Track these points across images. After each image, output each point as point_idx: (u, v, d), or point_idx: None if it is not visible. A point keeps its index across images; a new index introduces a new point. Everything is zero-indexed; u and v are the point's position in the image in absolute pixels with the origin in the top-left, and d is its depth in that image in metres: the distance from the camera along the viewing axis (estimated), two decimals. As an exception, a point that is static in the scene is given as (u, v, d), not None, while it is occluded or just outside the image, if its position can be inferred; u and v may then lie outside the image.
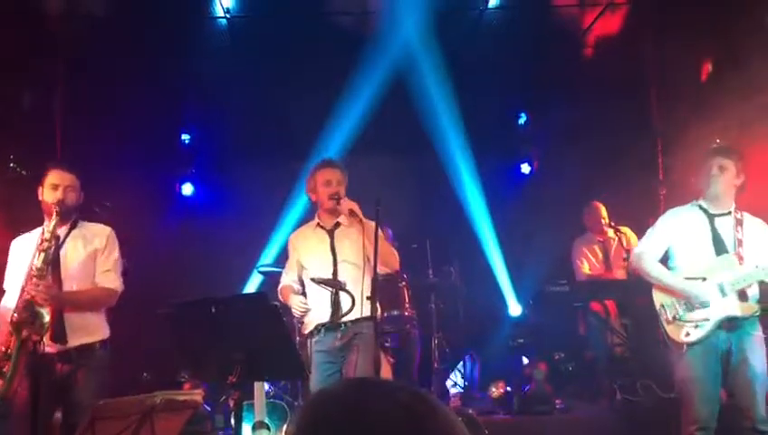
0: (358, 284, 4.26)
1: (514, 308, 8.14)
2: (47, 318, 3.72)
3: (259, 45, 7.26)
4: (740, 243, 4.09)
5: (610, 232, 6.73)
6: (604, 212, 6.80)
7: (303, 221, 7.88)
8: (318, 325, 4.39)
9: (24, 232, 4.24)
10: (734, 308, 4.02)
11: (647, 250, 4.30)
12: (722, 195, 4.16)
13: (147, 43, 6.93)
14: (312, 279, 4.44)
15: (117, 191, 6.40)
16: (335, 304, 4.29)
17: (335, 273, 4.32)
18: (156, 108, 7.70)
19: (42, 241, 3.87)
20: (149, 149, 7.84)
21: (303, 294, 4.51)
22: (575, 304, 6.88)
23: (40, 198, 4.08)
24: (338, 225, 4.51)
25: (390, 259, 4.44)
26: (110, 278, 4.16)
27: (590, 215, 6.88)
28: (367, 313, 4.19)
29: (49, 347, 3.81)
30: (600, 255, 6.92)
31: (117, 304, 4.33)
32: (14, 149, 6.22)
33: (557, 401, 6.23)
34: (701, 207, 4.23)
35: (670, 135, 7.59)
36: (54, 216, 3.90)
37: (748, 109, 5.83)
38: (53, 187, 4.01)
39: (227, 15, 6.79)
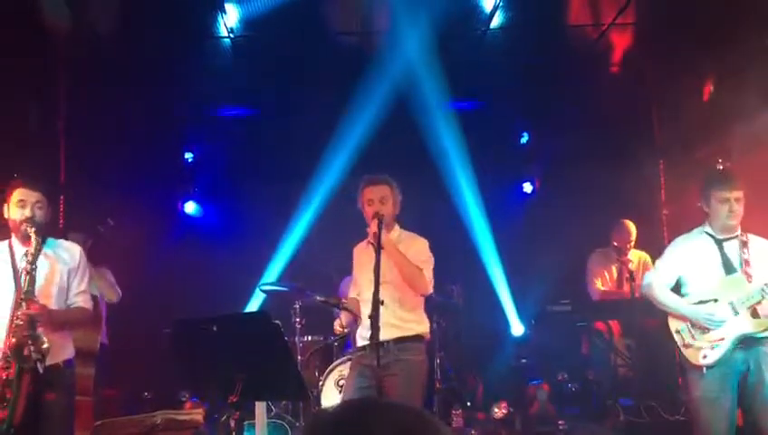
0: (397, 303, 4.29)
1: (517, 328, 8.10)
2: (44, 338, 3.63)
3: (262, 65, 7.30)
4: (747, 263, 4.14)
5: (632, 255, 6.70)
6: (634, 233, 6.75)
7: (306, 239, 7.98)
8: (361, 341, 4.41)
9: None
10: (747, 325, 4.04)
11: (657, 279, 4.34)
12: (737, 223, 4.21)
13: (150, 62, 6.97)
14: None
15: (120, 209, 6.43)
16: (374, 322, 4.11)
17: (377, 291, 4.14)
18: (159, 126, 7.74)
19: (26, 263, 3.77)
20: (152, 167, 7.87)
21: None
22: (578, 324, 6.86)
23: (5, 215, 3.97)
24: None
25: (415, 280, 4.40)
26: (86, 299, 4.11)
27: (619, 233, 6.82)
28: (408, 332, 4.26)
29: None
30: (615, 274, 6.91)
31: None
32: (18, 168, 6.24)
33: (560, 422, 6.19)
34: (708, 234, 4.27)
35: (673, 155, 7.60)
36: (33, 235, 3.79)
37: (750, 129, 5.84)
38: (21, 204, 3.89)
39: (231, 35, 6.83)
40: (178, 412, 4.63)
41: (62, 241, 4.17)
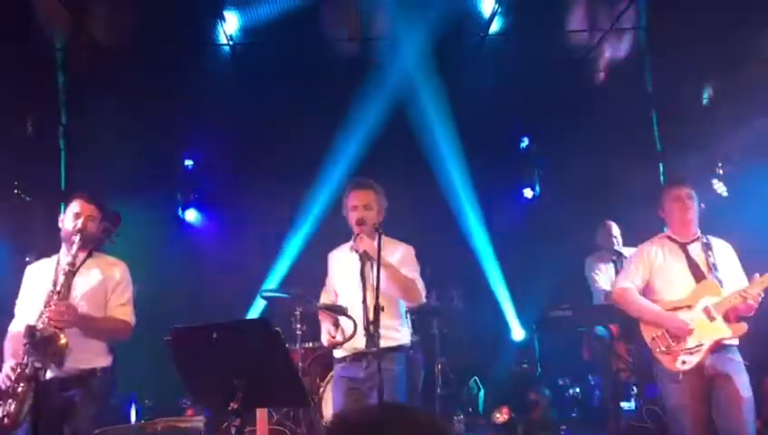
0: (387, 313, 4.06)
1: (518, 333, 8.10)
2: (64, 341, 3.67)
3: (262, 72, 7.31)
4: (714, 267, 4.15)
5: (624, 251, 6.72)
6: (616, 231, 6.77)
7: (307, 246, 7.98)
8: (343, 352, 4.26)
9: (29, 257, 4.25)
10: (724, 330, 4.05)
11: (628, 285, 4.32)
12: (693, 221, 4.25)
13: (151, 70, 6.99)
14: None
15: (120, 216, 6.42)
16: (367, 332, 3.98)
17: (364, 299, 4.08)
18: (159, 134, 7.74)
19: (66, 265, 3.90)
20: (153, 174, 7.87)
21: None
22: (579, 329, 6.85)
23: (60, 225, 4.13)
24: None
25: (410, 291, 4.25)
26: (126, 312, 4.18)
27: (602, 233, 6.84)
28: (392, 342, 4.13)
29: (49, 372, 3.77)
30: (613, 274, 6.91)
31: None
32: (18, 175, 6.25)
33: (562, 427, 6.19)
34: (670, 239, 4.30)
35: (673, 159, 7.61)
36: (77, 242, 3.93)
37: (750, 133, 5.85)
38: (75, 215, 4.06)
39: (231, 42, 6.85)
40: (179, 419, 4.63)
41: (108, 256, 4.28)
